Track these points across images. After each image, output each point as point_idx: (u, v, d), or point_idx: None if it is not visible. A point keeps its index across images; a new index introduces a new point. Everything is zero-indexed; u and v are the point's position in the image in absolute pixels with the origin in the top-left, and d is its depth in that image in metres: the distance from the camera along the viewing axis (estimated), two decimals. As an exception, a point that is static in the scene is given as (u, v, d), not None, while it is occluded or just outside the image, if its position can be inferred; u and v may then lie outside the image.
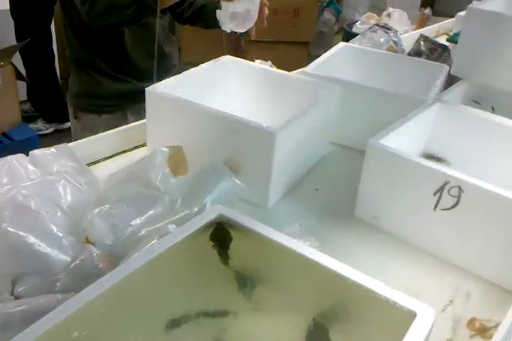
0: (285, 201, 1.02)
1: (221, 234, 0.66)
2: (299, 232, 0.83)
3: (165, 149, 0.88)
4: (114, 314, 0.57)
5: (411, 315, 0.55)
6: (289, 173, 1.03)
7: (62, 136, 2.89)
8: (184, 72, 1.07)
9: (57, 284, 0.67)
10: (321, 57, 1.25)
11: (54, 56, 2.92)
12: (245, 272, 0.67)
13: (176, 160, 0.91)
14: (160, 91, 0.97)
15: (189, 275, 0.65)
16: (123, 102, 1.38)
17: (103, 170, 1.01)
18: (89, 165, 1.04)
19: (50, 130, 2.94)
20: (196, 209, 0.79)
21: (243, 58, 1.24)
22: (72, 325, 0.53)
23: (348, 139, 1.22)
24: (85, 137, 1.08)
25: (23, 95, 2.80)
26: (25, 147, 2.75)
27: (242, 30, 1.12)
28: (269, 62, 1.73)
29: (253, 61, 1.57)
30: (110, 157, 1.08)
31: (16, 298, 0.66)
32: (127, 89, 1.37)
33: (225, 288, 0.66)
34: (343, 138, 1.22)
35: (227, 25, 1.10)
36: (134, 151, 1.13)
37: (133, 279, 0.58)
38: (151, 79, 1.12)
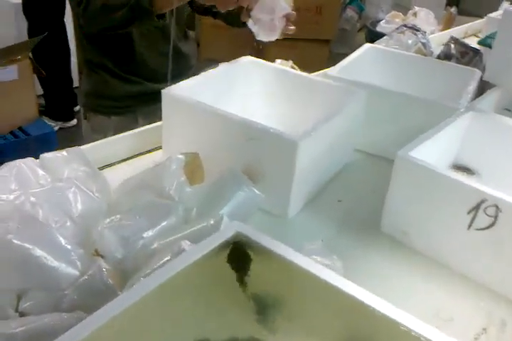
0: (306, 212, 0.97)
1: (239, 255, 0.62)
2: (321, 249, 0.78)
3: (181, 156, 0.84)
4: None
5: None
6: (311, 183, 0.97)
7: (67, 135, 2.87)
8: (202, 74, 1.02)
9: (64, 300, 0.63)
10: (345, 59, 1.19)
11: (68, 52, 2.89)
12: (264, 298, 0.62)
13: (193, 168, 0.86)
14: (176, 93, 0.92)
15: (203, 300, 0.60)
16: (134, 104, 1.34)
17: (117, 174, 0.97)
18: (101, 168, 1.00)
19: (56, 128, 2.92)
20: (212, 222, 0.74)
21: (263, 57, 1.19)
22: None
23: (373, 147, 1.16)
24: (94, 139, 1.04)
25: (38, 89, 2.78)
26: (41, 143, 2.75)
27: (266, 40, 1.06)
28: (290, 62, 1.67)
29: (273, 61, 1.52)
30: (124, 160, 1.04)
31: (21, 314, 0.62)
32: (138, 91, 1.33)
33: (242, 315, 0.61)
34: (369, 145, 1.16)
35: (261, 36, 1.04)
36: (149, 154, 1.09)
37: (143, 304, 0.53)
38: (165, 81, 1.08)
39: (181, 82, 0.97)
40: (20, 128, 2.54)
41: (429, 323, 0.71)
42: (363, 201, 1.02)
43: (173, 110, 0.94)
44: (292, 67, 1.65)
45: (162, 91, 0.93)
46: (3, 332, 0.55)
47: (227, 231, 0.62)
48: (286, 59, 1.67)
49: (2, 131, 2.43)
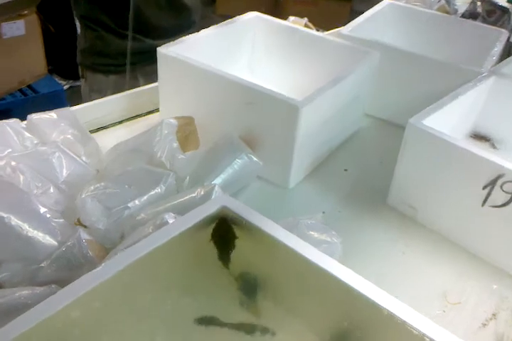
0: (309, 182, 0.91)
1: (224, 231, 0.57)
2: (320, 224, 0.73)
3: (173, 120, 0.78)
4: (96, 317, 0.50)
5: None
6: (315, 151, 0.91)
7: (78, 94, 2.78)
8: (203, 30, 0.95)
9: (40, 274, 0.60)
10: (361, 16, 1.10)
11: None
12: (248, 278, 0.57)
13: (186, 134, 0.80)
14: (172, 52, 0.85)
15: (183, 277, 0.56)
16: (133, 62, 1.26)
17: (110, 138, 0.92)
18: (94, 131, 0.95)
19: (65, 87, 2.85)
20: (202, 193, 0.69)
21: (279, 14, 1.10)
22: (51, 327, 0.45)
23: (385, 112, 1.09)
24: (93, 99, 0.98)
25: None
26: (50, 101, 2.69)
27: None
28: (305, 20, 1.57)
29: (286, 19, 1.42)
30: (120, 122, 0.99)
31: (-4, 285, 0.59)
32: (137, 48, 1.24)
33: (225, 295, 0.57)
34: (380, 110, 1.09)
35: None
36: (146, 117, 1.03)
37: (120, 278, 0.49)
38: (165, 37, 1.00)
39: (179, 39, 0.90)
40: (29, 86, 2.49)
41: (435, 306, 0.68)
42: (370, 171, 0.96)
43: (168, 70, 0.88)
44: (306, 26, 1.55)
45: (158, 49, 0.86)
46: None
47: (213, 205, 0.57)
48: (305, 17, 1.56)
49: (10, 88, 2.38)
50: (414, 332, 0.47)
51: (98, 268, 0.48)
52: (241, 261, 0.58)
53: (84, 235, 0.64)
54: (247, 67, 0.97)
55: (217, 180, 0.79)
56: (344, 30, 1.03)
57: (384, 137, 1.07)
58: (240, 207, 0.57)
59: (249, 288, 0.59)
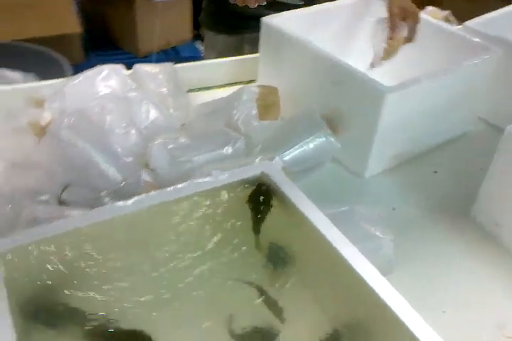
0: (388, 176, 0.86)
1: (261, 196, 0.58)
2: (377, 218, 0.70)
3: (254, 88, 0.79)
4: (109, 243, 0.54)
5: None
6: (401, 145, 0.86)
7: None
8: (314, 6, 0.94)
9: (96, 202, 0.66)
10: (496, 11, 1.00)
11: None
12: (277, 250, 0.58)
13: (267, 103, 0.81)
14: (275, 22, 0.86)
15: (210, 233, 0.58)
16: (245, 27, 1.26)
17: (207, 99, 0.96)
18: (196, 91, 1.00)
19: None
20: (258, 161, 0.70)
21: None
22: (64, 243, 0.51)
23: (502, 118, 0.98)
24: (207, 56, 1.02)
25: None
26: (188, 65, 2.86)
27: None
28: (447, 13, 1.46)
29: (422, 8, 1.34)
30: (218, 87, 1.03)
31: (60, 203, 0.67)
32: (250, 13, 1.23)
33: (250, 259, 0.58)
34: (496, 115, 0.99)
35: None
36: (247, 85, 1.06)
37: (144, 214, 0.53)
38: (277, 9, 1.00)
39: (287, 12, 0.90)
40: (173, 48, 2.68)
41: (485, 334, 0.61)
42: (464, 178, 0.86)
43: (269, 40, 0.89)
44: (446, 20, 1.45)
45: (262, 18, 0.87)
46: (29, 214, 0.60)
47: (255, 169, 0.58)
48: (463, 12, 1.45)
49: (156, 48, 2.58)
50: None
51: (127, 201, 0.52)
52: (272, 231, 0.58)
53: (145, 176, 0.69)
54: (349, 49, 0.94)
55: (289, 154, 0.79)
56: (471, 22, 0.95)
57: (490, 144, 0.97)
58: (281, 179, 0.57)
59: (277, 259, 0.59)
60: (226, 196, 0.57)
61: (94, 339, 0.49)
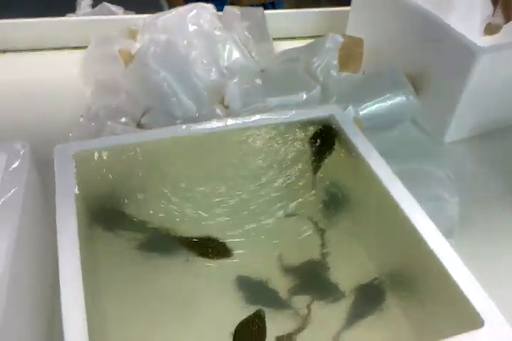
0: (468, 145, 0.81)
1: (324, 137, 0.58)
2: (448, 182, 0.68)
3: (339, 37, 0.78)
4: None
5: (477, 322, 0.42)
6: (487, 113, 0.81)
7: None
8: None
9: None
10: None
11: None
12: (334, 192, 0.59)
13: (350, 54, 0.80)
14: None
15: (269, 168, 0.60)
16: None
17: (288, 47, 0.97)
18: (277, 39, 1.00)
19: None
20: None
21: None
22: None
23: None
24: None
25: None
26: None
27: None
28: None
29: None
30: (303, 38, 1.02)
31: (138, 126, 0.72)
32: None
33: (305, 197, 0.59)
34: None
35: None
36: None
37: (203, 140, 0.56)
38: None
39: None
40: (272, 3, 2.66)
41: None
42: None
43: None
44: None
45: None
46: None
47: (324, 111, 0.59)
48: None
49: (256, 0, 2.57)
50: (459, 296, 0.44)
51: (196, 125, 0.55)
52: (332, 174, 0.59)
53: (218, 112, 0.72)
54: (448, 7, 0.89)
55: (365, 109, 0.78)
56: None
57: None
58: (349, 125, 0.57)
59: (331, 201, 0.60)
60: (290, 133, 0.58)
61: (155, 244, 0.54)
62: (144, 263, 0.53)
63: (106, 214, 0.54)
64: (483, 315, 0.42)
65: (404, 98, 0.79)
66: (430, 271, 0.46)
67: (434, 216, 0.64)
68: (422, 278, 0.49)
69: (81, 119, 0.71)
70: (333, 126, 0.58)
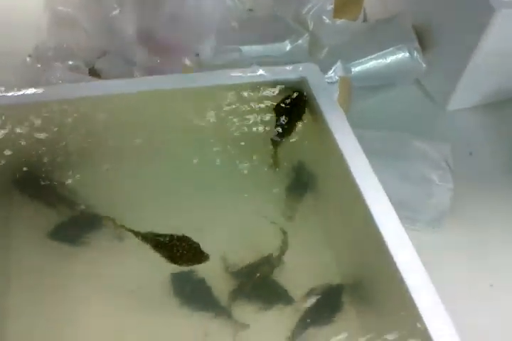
0: (474, 114, 0.71)
1: (292, 107, 0.49)
2: (444, 166, 0.59)
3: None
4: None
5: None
6: (497, 80, 0.70)
7: None
8: None
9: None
10: None
11: None
12: (302, 171, 0.51)
13: (346, -2, 0.68)
14: None
15: (227, 131, 0.51)
16: None
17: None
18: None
19: None
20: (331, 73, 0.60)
21: None
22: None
23: None
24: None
25: None
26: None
27: None
28: None
29: None
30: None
31: (91, 71, 0.63)
32: None
33: (267, 182, 0.51)
34: None
35: None
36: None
37: (159, 96, 0.47)
38: None
39: None
40: None
41: None
42: None
43: None
44: None
45: None
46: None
47: (296, 72, 0.49)
48: None
49: None
50: (410, 305, 0.37)
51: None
52: (296, 152, 0.50)
53: (185, 60, 0.62)
54: None
55: (361, 65, 0.67)
56: None
57: None
58: (323, 92, 0.47)
59: (296, 187, 0.51)
60: (255, 97, 0.49)
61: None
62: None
63: (29, 182, 0.47)
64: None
65: (408, 55, 0.68)
66: (391, 285, 0.39)
67: (422, 202, 0.57)
68: (382, 292, 0.42)
69: (28, 59, 0.62)
70: (304, 93, 0.48)
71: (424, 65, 0.69)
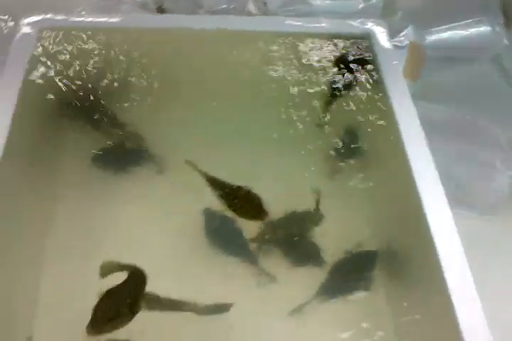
0: None
1: (353, 63, 0.47)
2: (504, 149, 0.55)
3: None
4: None
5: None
6: None
7: None
8: None
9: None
10: None
11: None
12: (353, 129, 0.49)
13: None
14: None
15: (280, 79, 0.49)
16: None
17: None
18: None
19: None
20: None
21: None
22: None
23: None
24: None
25: None
26: None
27: None
28: None
29: None
30: None
31: (158, 9, 0.63)
32: None
33: (315, 135, 0.49)
34: None
35: None
36: None
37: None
38: None
39: None
40: None
41: None
42: None
43: None
44: None
45: None
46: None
47: (362, 28, 0.47)
48: None
49: None
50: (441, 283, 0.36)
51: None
52: (347, 112, 0.48)
53: (251, 6, 0.61)
54: None
55: (437, 33, 0.63)
56: None
57: None
58: (387, 52, 0.45)
59: (344, 146, 0.50)
60: (315, 46, 0.47)
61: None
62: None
63: (78, 107, 0.48)
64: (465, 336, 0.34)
65: (490, 29, 0.63)
66: (425, 262, 0.38)
67: (480, 187, 0.54)
68: (415, 266, 0.41)
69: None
70: (368, 54, 0.46)
71: (506, 42, 0.64)
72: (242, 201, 0.43)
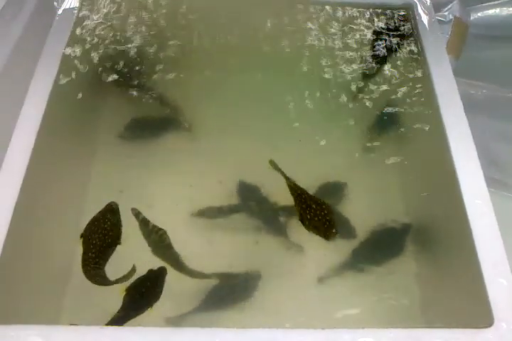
0: None
1: (393, 36, 0.46)
2: None
3: None
4: None
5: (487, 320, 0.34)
6: None
7: None
8: None
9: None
10: None
11: None
12: (384, 112, 0.48)
13: None
14: None
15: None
16: None
17: None
18: None
19: None
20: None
21: None
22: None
23: None
24: None
25: None
26: None
27: None
28: None
29: None
30: None
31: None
32: None
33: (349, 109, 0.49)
34: None
35: None
36: None
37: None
38: None
39: None
40: None
41: None
42: None
43: None
44: None
45: None
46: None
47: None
48: None
49: None
50: (477, 280, 0.35)
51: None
52: (386, 84, 0.48)
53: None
54: None
55: (481, 12, 0.61)
56: None
57: None
58: (430, 26, 0.44)
59: (380, 121, 0.50)
60: (355, 17, 0.46)
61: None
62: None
63: (119, 74, 0.49)
64: (495, 314, 0.34)
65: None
66: (458, 239, 0.38)
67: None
68: (448, 243, 0.41)
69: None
70: (410, 25, 0.45)
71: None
72: (314, 213, 0.41)
